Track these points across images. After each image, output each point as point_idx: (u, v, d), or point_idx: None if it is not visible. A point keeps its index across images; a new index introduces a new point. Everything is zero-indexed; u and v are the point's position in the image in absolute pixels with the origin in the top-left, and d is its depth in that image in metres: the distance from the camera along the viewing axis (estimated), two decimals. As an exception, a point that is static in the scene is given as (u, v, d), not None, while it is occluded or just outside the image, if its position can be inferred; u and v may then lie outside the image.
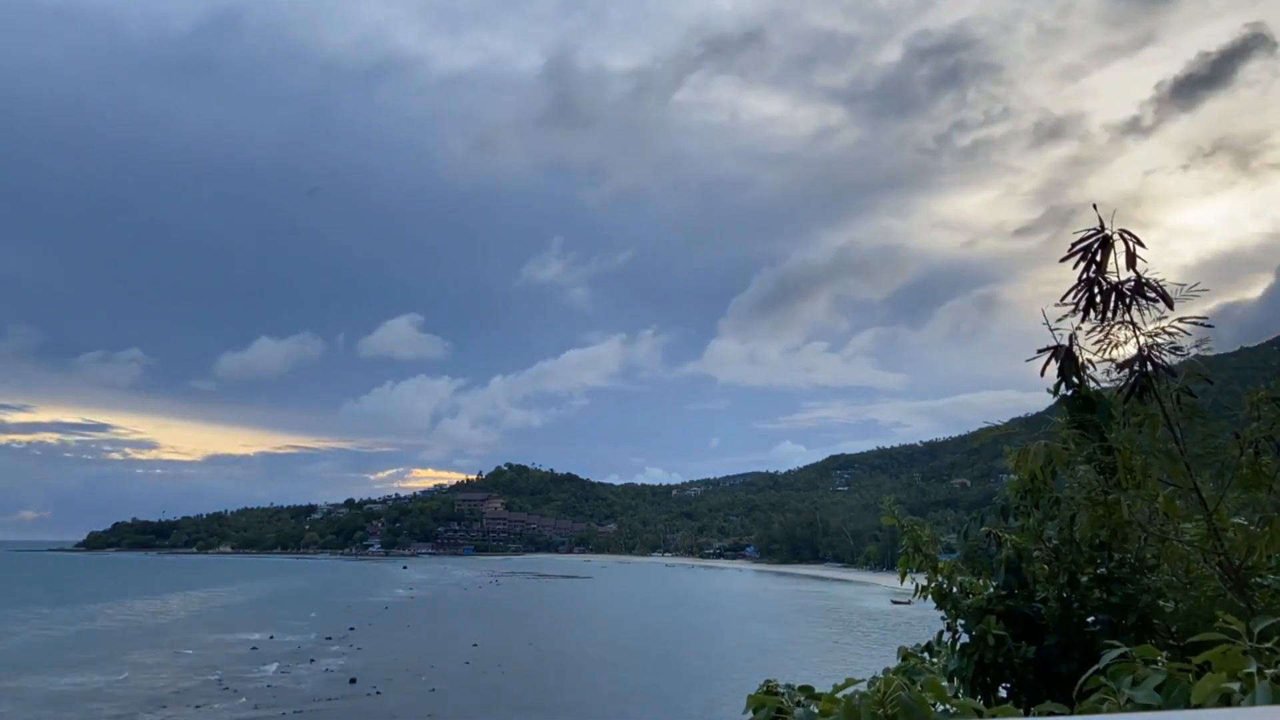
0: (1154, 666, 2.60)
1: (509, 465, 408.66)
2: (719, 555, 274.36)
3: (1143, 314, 4.48)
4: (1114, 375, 4.71)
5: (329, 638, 73.56)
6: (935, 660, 5.29)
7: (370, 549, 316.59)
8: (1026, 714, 4.07)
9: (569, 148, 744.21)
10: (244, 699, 46.94)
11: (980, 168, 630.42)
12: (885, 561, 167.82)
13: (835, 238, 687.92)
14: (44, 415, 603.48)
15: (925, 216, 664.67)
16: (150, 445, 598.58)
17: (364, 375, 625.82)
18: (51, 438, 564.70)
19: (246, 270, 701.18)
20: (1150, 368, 4.45)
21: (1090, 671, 2.69)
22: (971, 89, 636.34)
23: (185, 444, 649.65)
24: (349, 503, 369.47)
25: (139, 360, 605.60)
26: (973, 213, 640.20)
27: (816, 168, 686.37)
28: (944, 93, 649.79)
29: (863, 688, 2.90)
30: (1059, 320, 4.84)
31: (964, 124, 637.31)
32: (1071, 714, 2.96)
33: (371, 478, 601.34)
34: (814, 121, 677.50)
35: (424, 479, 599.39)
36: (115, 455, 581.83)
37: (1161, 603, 4.78)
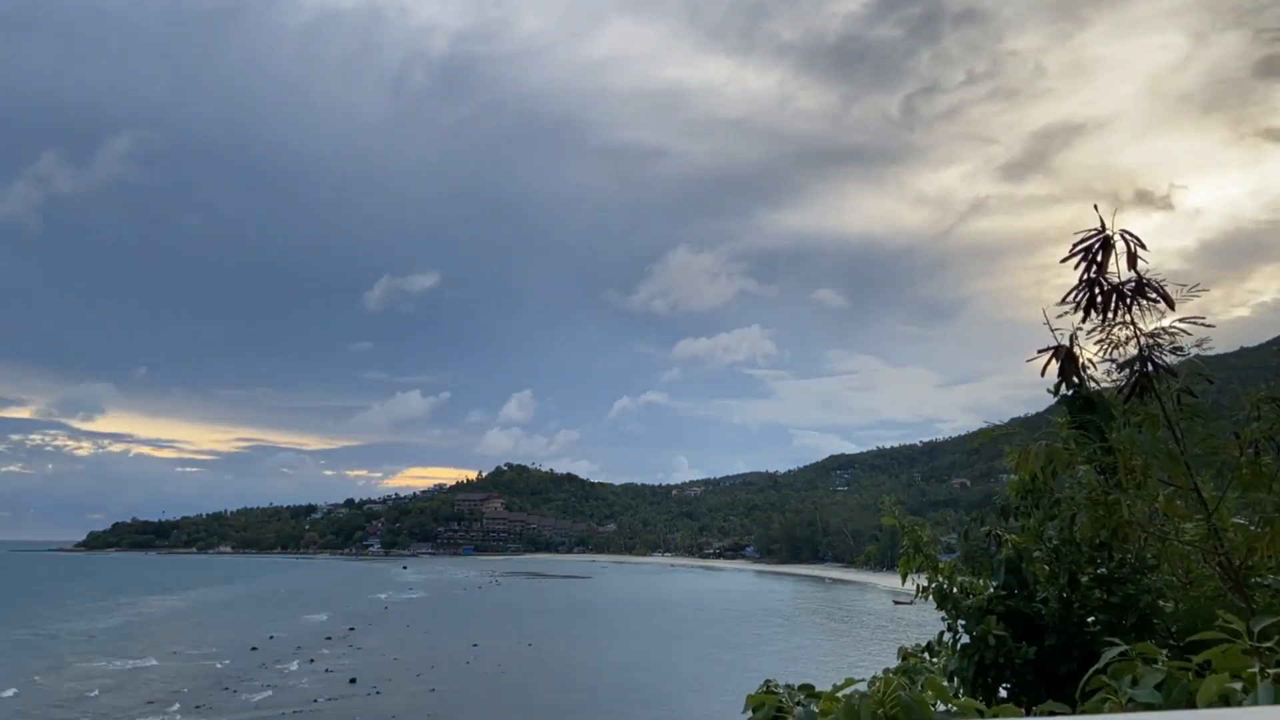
0: (1154, 665, 2.60)
1: (509, 465, 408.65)
2: (719, 555, 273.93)
3: (1143, 314, 4.48)
4: (1114, 375, 4.71)
5: (329, 638, 73.58)
6: (936, 660, 5.29)
7: (370, 549, 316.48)
8: (1027, 714, 4.07)
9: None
10: (244, 699, 46.95)
11: (958, 136, 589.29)
12: (885, 561, 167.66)
13: (790, 218, 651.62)
14: (43, 415, 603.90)
15: (898, 188, 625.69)
16: (150, 444, 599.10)
17: (364, 375, 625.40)
18: (58, 437, 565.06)
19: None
20: (1151, 368, 4.45)
21: (1091, 671, 2.68)
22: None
23: (185, 443, 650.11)
24: (349, 503, 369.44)
25: (136, 361, 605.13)
26: (953, 187, 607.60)
27: (770, 136, 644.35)
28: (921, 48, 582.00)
29: (863, 687, 2.89)
30: (1058, 318, 4.84)
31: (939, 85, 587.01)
32: (1072, 714, 2.96)
33: (371, 478, 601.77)
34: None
35: (424, 479, 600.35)
36: (115, 454, 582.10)
37: (1161, 603, 4.77)
